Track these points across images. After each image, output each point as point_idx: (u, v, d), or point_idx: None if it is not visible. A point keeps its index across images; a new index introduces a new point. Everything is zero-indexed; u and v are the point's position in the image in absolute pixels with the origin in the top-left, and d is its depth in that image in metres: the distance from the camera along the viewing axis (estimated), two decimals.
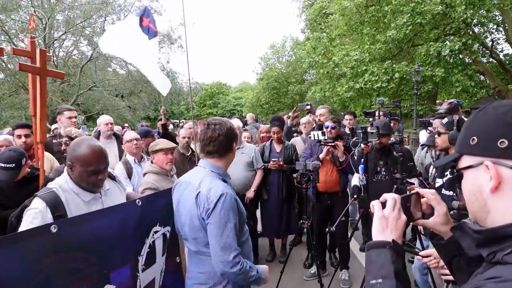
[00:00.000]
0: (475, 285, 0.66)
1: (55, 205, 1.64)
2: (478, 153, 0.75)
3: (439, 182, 2.80)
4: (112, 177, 2.05)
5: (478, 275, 0.73)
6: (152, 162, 2.98)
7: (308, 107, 5.30)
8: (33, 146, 3.07)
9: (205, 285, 1.76)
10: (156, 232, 1.88)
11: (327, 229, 2.90)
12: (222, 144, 1.75)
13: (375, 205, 0.94)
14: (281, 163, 4.06)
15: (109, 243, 1.56)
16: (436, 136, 2.80)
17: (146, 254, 1.79)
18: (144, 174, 2.99)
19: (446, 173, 2.75)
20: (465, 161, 0.79)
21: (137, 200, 1.74)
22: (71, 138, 2.84)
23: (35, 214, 1.62)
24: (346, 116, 5.20)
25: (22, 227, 1.62)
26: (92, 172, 1.71)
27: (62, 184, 1.74)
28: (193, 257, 1.83)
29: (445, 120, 2.78)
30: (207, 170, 1.76)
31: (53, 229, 1.30)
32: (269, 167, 4.07)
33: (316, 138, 3.46)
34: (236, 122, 4.24)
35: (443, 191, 2.72)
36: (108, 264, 1.55)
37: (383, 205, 0.94)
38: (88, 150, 1.71)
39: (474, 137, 0.75)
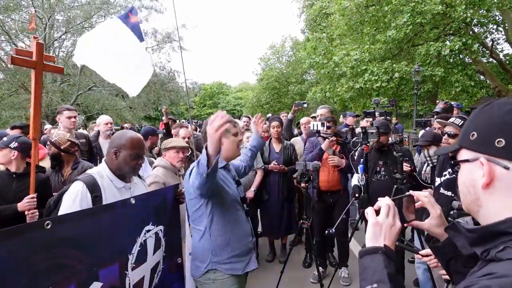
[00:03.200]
0: (470, 283, 0.66)
1: (93, 186, 1.82)
2: (475, 148, 0.76)
3: (437, 181, 2.78)
4: (138, 175, 2.20)
5: (473, 273, 0.73)
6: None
7: (305, 105, 5.56)
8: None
9: (196, 260, 1.97)
10: (148, 231, 1.91)
11: (326, 232, 2.92)
12: (205, 139, 1.91)
13: (368, 212, 0.95)
14: (282, 166, 4.07)
15: (101, 240, 1.58)
16: (446, 137, 2.69)
17: (137, 252, 1.81)
18: (154, 167, 3.09)
19: (444, 173, 2.73)
20: (463, 154, 0.80)
21: (131, 199, 1.78)
22: (51, 143, 2.84)
23: (76, 195, 1.77)
24: (349, 118, 5.38)
25: (63, 208, 1.77)
26: (136, 155, 1.94)
27: (100, 171, 1.93)
28: None
29: (459, 120, 2.67)
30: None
31: (47, 225, 1.31)
32: (270, 169, 4.07)
33: (315, 128, 3.53)
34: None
35: (442, 190, 2.70)
36: (98, 262, 1.56)
37: (378, 212, 0.94)
38: (133, 136, 1.99)
39: (474, 133, 0.76)
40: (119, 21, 3.56)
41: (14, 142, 2.61)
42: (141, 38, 3.55)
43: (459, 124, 2.64)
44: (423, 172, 3.54)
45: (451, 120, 2.76)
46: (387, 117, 5.05)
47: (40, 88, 2.46)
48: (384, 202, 0.95)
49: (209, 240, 1.92)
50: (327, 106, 5.01)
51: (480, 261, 0.75)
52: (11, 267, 1.19)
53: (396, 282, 0.80)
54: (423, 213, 1.10)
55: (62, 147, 2.83)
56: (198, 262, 1.96)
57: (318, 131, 3.56)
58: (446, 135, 2.70)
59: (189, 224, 2.20)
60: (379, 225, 0.91)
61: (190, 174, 1.87)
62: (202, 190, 1.75)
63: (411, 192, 1.06)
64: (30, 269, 1.26)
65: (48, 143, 2.86)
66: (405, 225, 0.98)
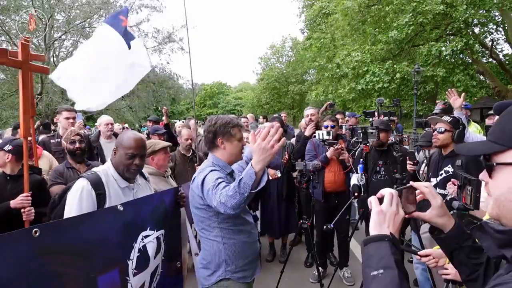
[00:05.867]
0: (501, 281, 0.64)
1: (97, 184, 1.83)
2: None
3: (433, 181, 2.80)
4: (144, 176, 2.19)
5: (500, 276, 0.71)
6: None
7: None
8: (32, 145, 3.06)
9: (208, 269, 1.89)
10: (146, 236, 1.88)
11: (325, 226, 2.92)
12: (207, 140, 1.91)
13: (372, 200, 0.94)
14: (272, 171, 4.02)
15: (94, 247, 1.56)
16: (436, 133, 2.76)
17: (137, 258, 1.79)
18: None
19: (440, 172, 2.76)
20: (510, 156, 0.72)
21: (119, 206, 1.74)
22: (84, 136, 2.86)
23: (81, 191, 1.79)
24: (337, 116, 5.26)
25: (68, 204, 1.81)
26: (131, 155, 1.92)
27: (105, 169, 1.94)
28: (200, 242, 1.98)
29: (449, 118, 2.75)
30: (209, 161, 1.94)
31: (35, 233, 1.30)
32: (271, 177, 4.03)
33: (321, 137, 3.50)
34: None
35: (437, 190, 2.73)
36: (95, 268, 1.54)
37: (381, 200, 0.93)
38: (131, 136, 1.99)
39: None
40: (108, 27, 3.19)
41: (8, 145, 2.60)
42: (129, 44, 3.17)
43: (448, 121, 2.71)
44: (421, 172, 3.56)
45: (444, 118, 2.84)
46: (391, 117, 4.94)
47: (28, 87, 2.45)
48: (388, 191, 0.94)
49: (223, 249, 1.85)
50: (313, 107, 4.86)
51: (507, 264, 0.71)
52: (2, 276, 1.18)
53: (403, 269, 0.79)
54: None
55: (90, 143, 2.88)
56: (210, 271, 1.89)
57: (323, 140, 3.51)
58: (435, 131, 2.77)
59: (192, 227, 2.17)
60: (383, 213, 0.90)
61: (202, 182, 1.76)
62: (237, 210, 1.58)
63: (411, 183, 1.05)
64: (23, 279, 1.24)
65: (80, 137, 2.86)
66: (406, 216, 0.96)
